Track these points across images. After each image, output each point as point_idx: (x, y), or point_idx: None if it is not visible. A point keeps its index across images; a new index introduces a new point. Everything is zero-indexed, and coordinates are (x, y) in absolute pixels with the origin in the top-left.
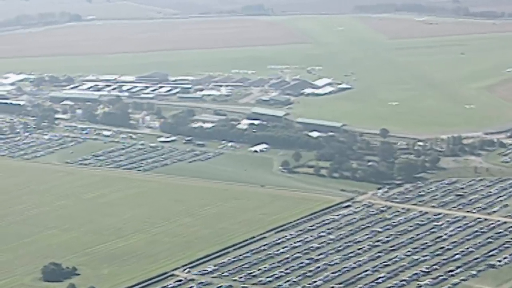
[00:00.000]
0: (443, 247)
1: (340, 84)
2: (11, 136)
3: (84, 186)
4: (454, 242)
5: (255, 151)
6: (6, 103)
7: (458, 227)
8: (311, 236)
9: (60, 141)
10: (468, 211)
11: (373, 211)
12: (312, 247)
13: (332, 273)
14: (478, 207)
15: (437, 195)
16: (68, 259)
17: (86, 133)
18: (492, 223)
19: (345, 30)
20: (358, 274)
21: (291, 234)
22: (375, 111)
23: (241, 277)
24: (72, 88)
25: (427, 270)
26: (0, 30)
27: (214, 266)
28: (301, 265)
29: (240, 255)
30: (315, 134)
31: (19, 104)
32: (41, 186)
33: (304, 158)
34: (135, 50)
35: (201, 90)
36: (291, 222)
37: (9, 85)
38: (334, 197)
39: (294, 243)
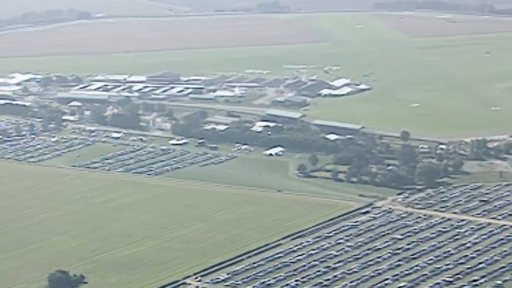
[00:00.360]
0: (466, 256)
1: (358, 84)
2: (17, 138)
3: (93, 190)
4: (478, 250)
5: (270, 154)
6: (12, 103)
7: (483, 235)
8: (328, 243)
9: (68, 143)
10: (493, 218)
11: (393, 218)
12: (329, 254)
13: (351, 282)
14: (504, 214)
15: (460, 200)
16: (75, 267)
17: (95, 135)
18: None
19: (364, 29)
20: (378, 283)
21: (307, 241)
22: (395, 112)
23: (255, 286)
24: (80, 88)
25: (450, 280)
26: (5, 28)
27: (227, 274)
28: (318, 273)
29: (254, 263)
30: (332, 137)
31: (25, 105)
32: (48, 191)
33: (321, 162)
34: (145, 49)
35: (214, 90)
36: (307, 229)
37: (15, 85)
38: (352, 203)
39: (311, 250)
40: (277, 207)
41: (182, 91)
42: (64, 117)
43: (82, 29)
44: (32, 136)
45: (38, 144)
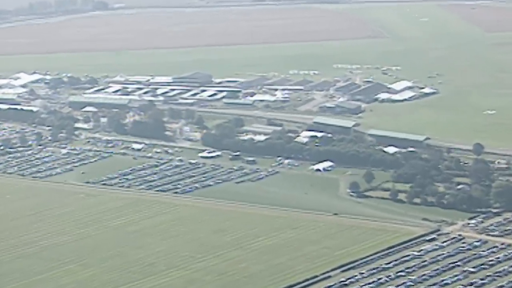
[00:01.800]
0: None
1: (422, 88)
2: (21, 149)
3: (109, 211)
4: None
5: (318, 170)
6: (16, 109)
7: None
8: (386, 276)
9: (81, 156)
10: None
11: (464, 246)
12: None
13: None
14: None
15: None
16: None
17: (112, 146)
18: None
19: (430, 21)
20: None
21: (361, 274)
22: (466, 121)
23: None
24: (95, 91)
25: None
26: (10, 20)
27: None
28: None
29: None
30: (391, 149)
31: (31, 111)
32: (56, 211)
33: (378, 179)
34: (172, 45)
35: (252, 94)
36: (361, 259)
37: (20, 87)
38: (415, 228)
39: (365, 285)
40: (325, 232)
41: (214, 94)
42: (77, 125)
43: (98, 22)
44: (39, 147)
45: (46, 156)
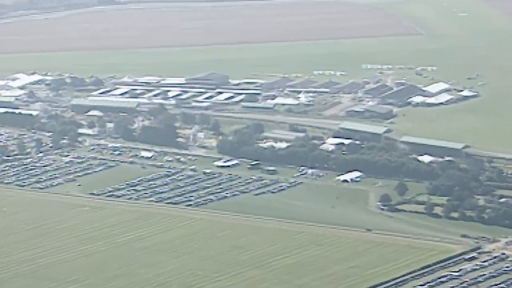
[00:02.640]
0: None
1: (461, 90)
2: (19, 157)
3: (116, 225)
4: None
5: (345, 180)
6: (14, 112)
7: None
8: None
9: (85, 164)
10: None
11: (508, 266)
12: None
13: None
14: None
15: None
16: None
17: (119, 154)
18: None
19: (469, 17)
20: None
21: None
22: (510, 128)
23: None
24: (101, 93)
25: None
26: (8, 15)
27: None
28: None
29: None
30: (426, 158)
31: (30, 115)
32: (57, 226)
33: (412, 191)
34: (184, 43)
35: (273, 97)
36: (394, 279)
37: (18, 88)
38: (453, 246)
39: None
40: (353, 250)
41: (231, 97)
42: (80, 131)
43: (103, 18)
44: (39, 154)
45: (47, 165)
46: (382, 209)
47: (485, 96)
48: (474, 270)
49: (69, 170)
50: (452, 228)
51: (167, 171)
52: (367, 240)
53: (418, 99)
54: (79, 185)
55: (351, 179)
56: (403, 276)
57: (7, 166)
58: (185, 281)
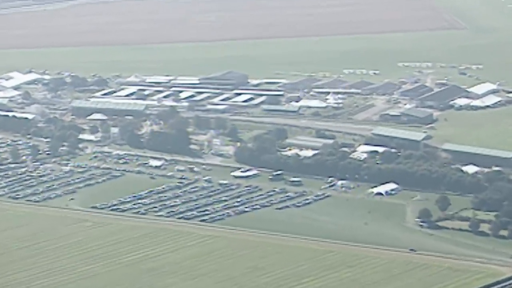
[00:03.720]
0: None
1: (510, 92)
2: (13, 166)
3: (121, 243)
4: None
5: (379, 193)
6: (8, 116)
7: None
8: None
9: (86, 174)
10: None
11: None
12: None
13: None
14: None
15: None
16: None
17: (125, 162)
18: None
19: None
20: None
21: None
22: None
23: None
24: (105, 95)
25: None
26: (2, 6)
27: None
28: None
29: None
30: (471, 169)
31: (26, 118)
32: (56, 243)
33: (455, 205)
34: (198, 38)
35: (298, 99)
36: None
37: (13, 89)
38: (502, 268)
39: None
40: (388, 272)
41: (250, 99)
42: (82, 136)
43: (108, 9)
44: (36, 163)
45: (44, 175)
46: (421, 225)
47: None
48: None
49: (69, 181)
50: (501, 248)
51: (179, 182)
52: (404, 261)
53: (461, 101)
54: (71, 199)
55: (386, 192)
56: None
57: None
58: None
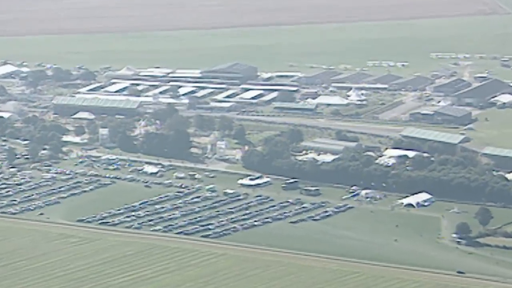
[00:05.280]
0: None
1: None
2: None
3: (111, 262)
4: None
5: (410, 205)
6: None
7: None
8: None
9: (71, 182)
10: None
11: None
12: None
13: None
14: None
15: None
16: None
17: (116, 169)
18: None
19: None
20: None
21: None
22: None
23: None
24: (92, 90)
25: None
26: None
27: None
28: None
29: None
30: None
31: (1, 117)
32: (35, 263)
33: (498, 219)
34: (201, 25)
35: (314, 96)
36: None
37: None
38: None
39: None
40: None
41: (260, 96)
42: (66, 138)
43: None
44: (12, 169)
45: (22, 183)
46: (459, 242)
47: None
48: None
49: (51, 190)
50: None
51: (178, 192)
52: (439, 283)
53: (504, 98)
54: (41, 214)
55: (417, 203)
56: None
57: None
58: None
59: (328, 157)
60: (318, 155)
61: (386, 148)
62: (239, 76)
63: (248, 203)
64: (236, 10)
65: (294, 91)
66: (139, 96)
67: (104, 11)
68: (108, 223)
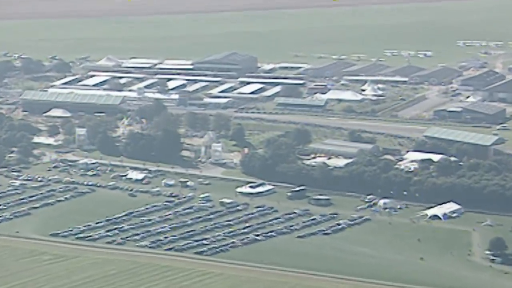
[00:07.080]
0: None
1: None
2: None
3: (91, 283)
4: None
5: (435, 216)
6: None
7: None
8: None
9: (44, 190)
10: None
11: None
12: None
13: None
14: None
15: None
16: None
17: (95, 175)
18: None
19: None
20: None
21: None
22: None
23: None
24: (67, 83)
25: None
26: None
27: None
28: None
29: None
30: None
31: None
32: (3, 284)
33: None
34: (194, 8)
35: (324, 90)
36: None
37: None
38: None
39: None
40: None
41: (261, 90)
42: (37, 139)
43: None
44: None
45: None
46: (493, 260)
47: None
48: None
49: (21, 199)
50: None
51: (167, 201)
52: None
53: None
54: (17, 232)
55: (444, 215)
56: None
57: None
58: None
59: (340, 162)
60: (329, 159)
61: (407, 151)
62: (236, 68)
63: (249, 214)
64: None
65: (300, 84)
66: (121, 90)
67: None
68: (87, 238)
